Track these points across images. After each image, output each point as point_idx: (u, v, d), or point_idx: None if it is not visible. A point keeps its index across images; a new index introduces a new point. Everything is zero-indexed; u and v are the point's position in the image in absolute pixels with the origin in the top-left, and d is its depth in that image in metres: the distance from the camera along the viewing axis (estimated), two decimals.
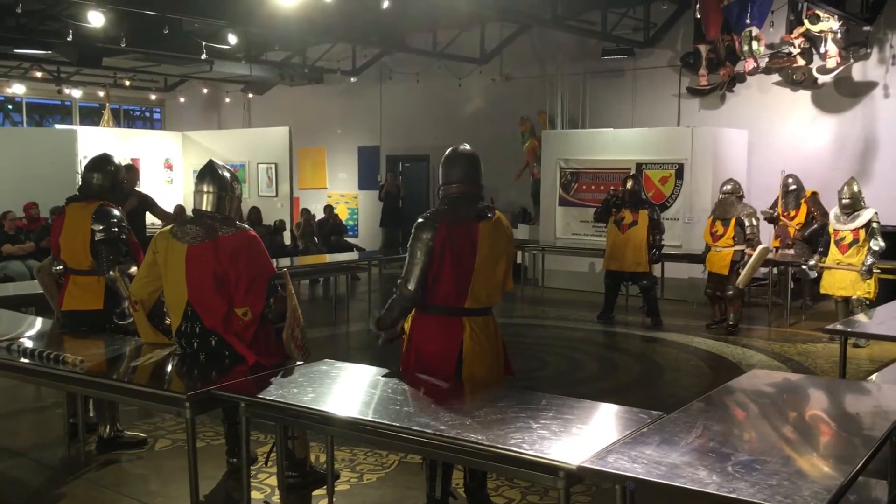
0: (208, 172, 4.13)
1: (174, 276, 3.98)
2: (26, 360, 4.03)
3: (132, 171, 8.41)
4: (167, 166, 15.23)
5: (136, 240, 5.03)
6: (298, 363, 3.96)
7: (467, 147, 3.94)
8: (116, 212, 4.88)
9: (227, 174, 4.16)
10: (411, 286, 3.69)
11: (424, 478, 3.93)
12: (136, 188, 8.40)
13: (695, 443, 2.75)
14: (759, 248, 8.46)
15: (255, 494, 4.22)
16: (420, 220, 3.75)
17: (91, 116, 18.54)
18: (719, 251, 8.69)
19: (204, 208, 4.07)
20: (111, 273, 4.70)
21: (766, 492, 2.31)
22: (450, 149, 3.94)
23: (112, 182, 5.02)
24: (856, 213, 7.93)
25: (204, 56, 12.39)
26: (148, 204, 7.95)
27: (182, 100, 18.40)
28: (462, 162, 3.85)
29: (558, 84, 13.59)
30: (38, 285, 5.28)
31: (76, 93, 17.14)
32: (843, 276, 7.99)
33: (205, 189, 4.07)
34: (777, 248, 9.73)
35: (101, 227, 4.75)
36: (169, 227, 4.12)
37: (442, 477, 3.89)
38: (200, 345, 3.98)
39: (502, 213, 3.94)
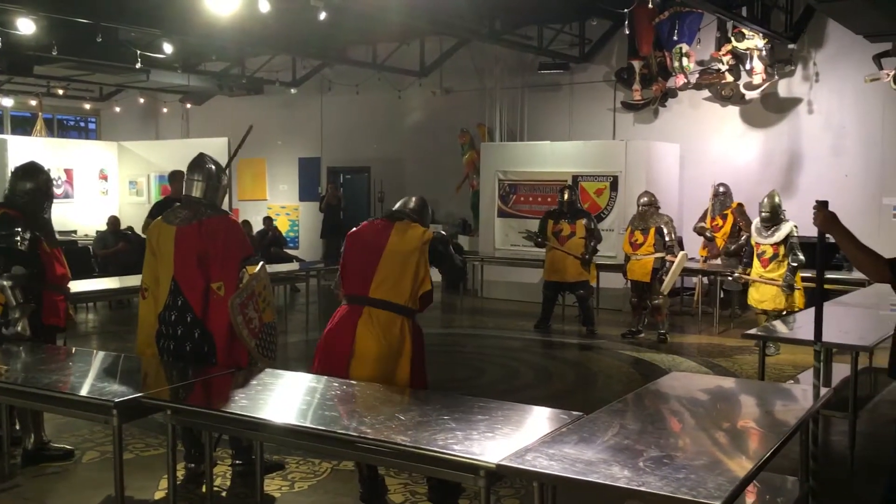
0: (198, 164, 4.58)
1: (164, 254, 4.36)
2: None
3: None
4: (102, 177, 14.95)
5: (48, 250, 4.89)
6: (236, 370, 4.07)
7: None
8: (18, 221, 4.74)
9: (213, 166, 4.60)
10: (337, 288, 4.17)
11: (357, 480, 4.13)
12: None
13: (611, 441, 2.85)
14: (680, 254, 8.72)
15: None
16: None
17: (23, 126, 18.08)
18: (640, 259, 8.88)
19: (193, 194, 4.50)
20: (1, 282, 4.60)
21: (673, 485, 2.42)
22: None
23: (45, 190, 4.96)
24: (775, 227, 8.10)
25: (139, 65, 12.23)
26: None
27: (118, 109, 18.07)
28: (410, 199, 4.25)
29: (497, 97, 13.78)
30: None
31: (7, 101, 16.69)
32: (765, 290, 8.14)
33: (195, 178, 4.52)
34: (705, 258, 10.00)
35: None
36: (161, 216, 4.55)
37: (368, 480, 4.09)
38: (184, 333, 4.24)
39: (425, 230, 4.08)
